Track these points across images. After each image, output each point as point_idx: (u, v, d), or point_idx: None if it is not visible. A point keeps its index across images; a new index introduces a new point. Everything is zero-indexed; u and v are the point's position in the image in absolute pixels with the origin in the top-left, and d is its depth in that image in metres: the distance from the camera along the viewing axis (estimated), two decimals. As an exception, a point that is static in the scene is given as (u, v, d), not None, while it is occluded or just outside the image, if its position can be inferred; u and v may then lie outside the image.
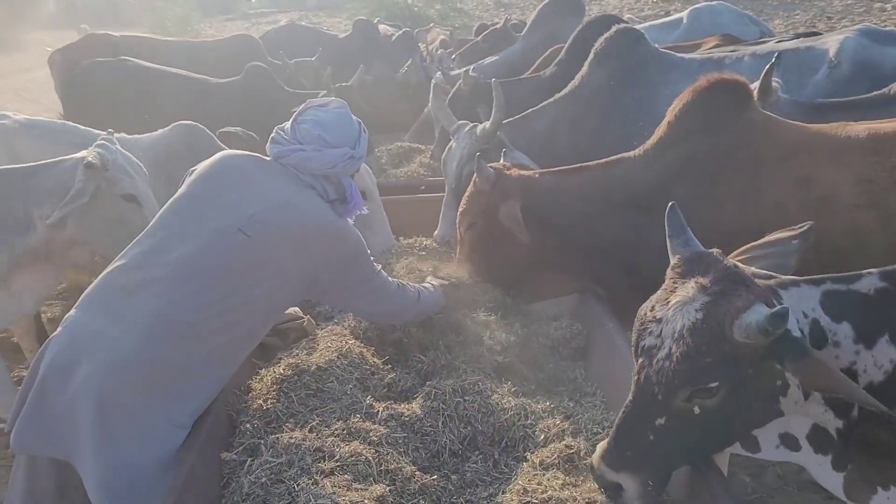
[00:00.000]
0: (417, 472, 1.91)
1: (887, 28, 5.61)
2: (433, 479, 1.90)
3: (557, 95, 3.78)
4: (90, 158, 2.75)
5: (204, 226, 2.01)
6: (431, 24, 12.28)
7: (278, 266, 2.05)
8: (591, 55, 3.75)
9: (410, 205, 3.91)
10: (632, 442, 1.61)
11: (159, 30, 24.37)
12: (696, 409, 1.55)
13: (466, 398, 2.14)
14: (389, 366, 2.38)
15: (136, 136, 3.63)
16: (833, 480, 1.65)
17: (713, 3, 6.07)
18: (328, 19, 25.28)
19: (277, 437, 1.92)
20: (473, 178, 2.83)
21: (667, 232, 1.72)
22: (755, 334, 1.45)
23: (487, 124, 3.40)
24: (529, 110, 3.78)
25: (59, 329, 1.98)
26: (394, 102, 6.23)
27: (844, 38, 3.69)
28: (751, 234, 1.84)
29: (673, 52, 3.85)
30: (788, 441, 1.66)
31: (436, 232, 3.42)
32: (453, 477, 1.95)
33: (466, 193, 2.87)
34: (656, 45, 3.86)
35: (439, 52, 7.15)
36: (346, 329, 2.52)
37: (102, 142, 2.89)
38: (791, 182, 2.32)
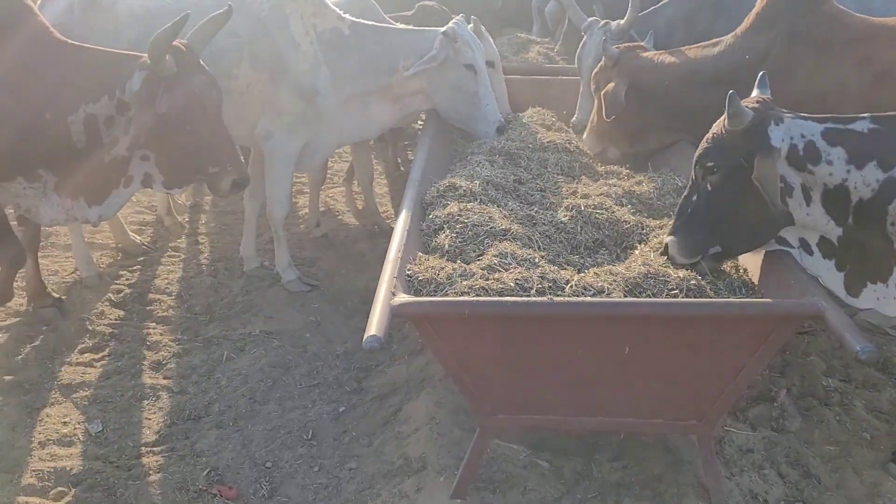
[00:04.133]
0: (563, 252, 2.72)
1: None
2: (573, 258, 2.71)
3: (672, -4, 4.39)
4: (446, 30, 3.66)
5: None
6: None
7: None
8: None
9: (527, 84, 4.67)
10: (680, 215, 2.48)
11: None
12: (708, 186, 2.38)
13: (597, 212, 2.92)
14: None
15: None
16: (836, 279, 2.37)
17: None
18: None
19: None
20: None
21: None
22: (729, 122, 2.26)
23: (622, 21, 4.04)
24: (649, 10, 4.38)
25: None
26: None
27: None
28: (815, 105, 2.51)
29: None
30: (805, 245, 2.40)
31: (573, 118, 4.18)
32: (587, 260, 2.75)
33: (597, 66, 3.60)
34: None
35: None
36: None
37: (456, 20, 3.77)
38: (854, 61, 2.95)
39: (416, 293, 2.31)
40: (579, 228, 2.86)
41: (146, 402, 3.21)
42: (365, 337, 1.96)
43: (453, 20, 3.80)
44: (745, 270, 2.56)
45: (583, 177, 3.42)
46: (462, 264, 2.41)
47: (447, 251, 2.58)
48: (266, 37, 3.69)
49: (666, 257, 2.52)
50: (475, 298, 2.14)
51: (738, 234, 2.47)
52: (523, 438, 2.73)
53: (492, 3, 6.64)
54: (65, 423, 3.05)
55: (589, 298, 2.17)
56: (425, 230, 2.77)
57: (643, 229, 2.88)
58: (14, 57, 2.96)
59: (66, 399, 3.19)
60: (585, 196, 3.11)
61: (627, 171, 3.55)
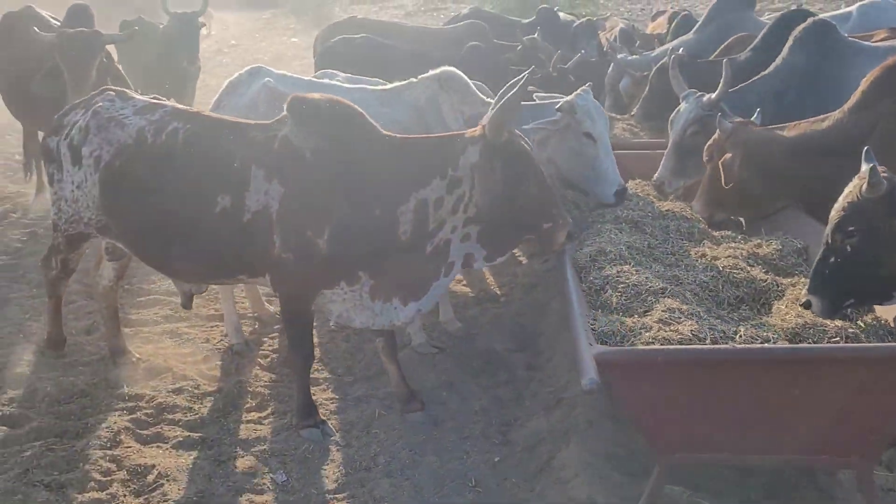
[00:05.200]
0: (712, 308, 3.03)
1: None
2: (722, 312, 3.02)
3: (763, 73, 4.79)
4: (561, 105, 4.02)
5: None
6: (609, 14, 13.28)
7: None
8: (791, 41, 4.74)
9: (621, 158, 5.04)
10: (817, 274, 2.74)
11: (300, 10, 26.67)
12: (848, 248, 2.64)
13: (734, 271, 3.24)
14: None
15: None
16: None
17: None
18: (454, 4, 26.49)
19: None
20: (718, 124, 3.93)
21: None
22: (868, 191, 2.54)
23: (713, 95, 4.44)
24: (741, 85, 4.79)
25: None
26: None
27: None
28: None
29: (859, 41, 4.79)
30: None
31: (655, 175, 4.53)
32: (733, 314, 3.05)
33: (713, 137, 3.97)
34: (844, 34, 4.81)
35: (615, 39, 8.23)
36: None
37: (580, 91, 4.11)
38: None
39: (601, 343, 2.63)
40: (721, 287, 3.17)
41: (318, 454, 3.51)
42: (584, 380, 2.28)
43: (579, 90, 4.16)
44: (885, 321, 2.85)
45: (704, 241, 3.75)
46: (638, 318, 2.74)
47: (615, 307, 2.91)
48: (422, 122, 4.17)
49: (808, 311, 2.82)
50: (674, 347, 2.46)
51: (874, 288, 2.76)
52: (684, 479, 2.98)
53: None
54: (252, 473, 3.36)
55: (780, 345, 2.48)
56: (587, 290, 3.11)
57: (778, 287, 3.19)
58: (349, 160, 3.19)
59: (247, 453, 3.50)
60: (716, 258, 3.43)
61: (742, 235, 3.88)
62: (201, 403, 3.89)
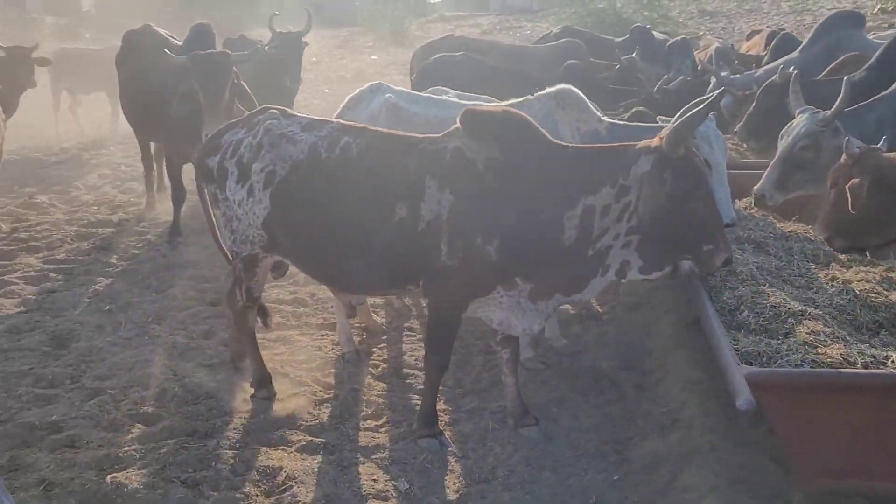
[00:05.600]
0: (852, 332, 2.96)
1: None
2: (863, 337, 2.94)
3: (882, 94, 4.66)
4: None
5: None
6: (702, 32, 13.15)
7: None
8: (911, 61, 4.61)
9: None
10: None
11: (376, 28, 27.23)
12: None
13: (872, 295, 3.16)
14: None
15: None
16: None
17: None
18: (529, 24, 26.60)
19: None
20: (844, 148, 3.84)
21: None
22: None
23: (829, 112, 4.35)
24: (858, 105, 4.67)
25: None
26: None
27: None
28: None
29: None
30: None
31: (755, 186, 4.43)
32: (873, 339, 2.97)
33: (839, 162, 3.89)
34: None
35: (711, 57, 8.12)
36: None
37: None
38: None
39: (745, 364, 2.61)
40: (858, 310, 3.10)
41: (437, 465, 3.56)
42: (739, 401, 2.27)
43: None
44: None
45: (832, 263, 3.67)
46: (784, 339, 2.70)
47: (753, 329, 2.88)
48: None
49: None
50: (832, 370, 2.42)
51: None
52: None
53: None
54: (374, 480, 3.43)
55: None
56: (719, 310, 3.08)
57: (918, 312, 3.10)
58: (520, 169, 3.25)
59: (367, 459, 3.58)
60: (848, 281, 3.35)
61: (870, 259, 3.77)
62: (319, 409, 3.99)
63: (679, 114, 3.12)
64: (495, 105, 3.66)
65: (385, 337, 4.88)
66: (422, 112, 4.54)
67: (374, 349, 4.73)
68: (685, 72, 8.22)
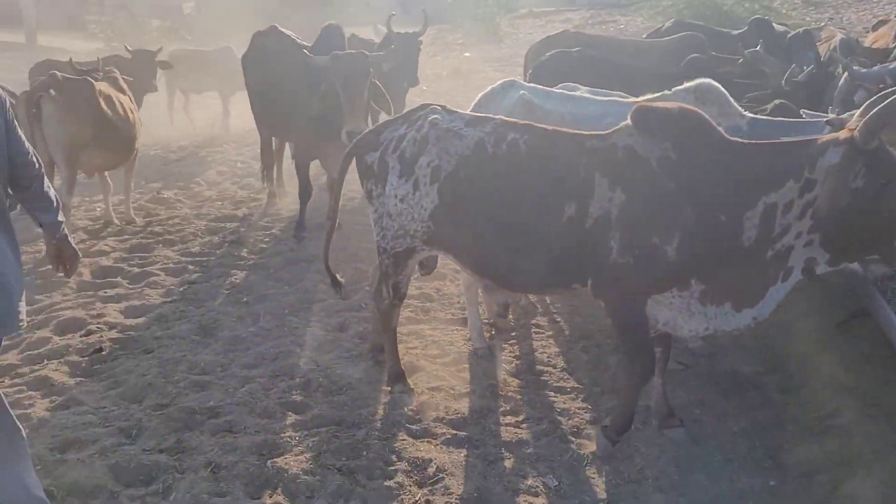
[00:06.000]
0: None
1: None
2: None
3: None
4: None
5: None
6: (824, 24, 12.62)
7: None
8: None
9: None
10: None
11: (468, 26, 27.23)
12: None
13: None
14: None
15: None
16: None
17: None
18: (622, 17, 26.06)
19: None
20: None
21: None
22: None
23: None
24: None
25: None
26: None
27: None
28: None
29: None
30: None
31: None
32: None
33: None
34: None
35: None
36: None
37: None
38: None
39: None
40: None
41: (584, 463, 3.54)
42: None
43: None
44: None
45: None
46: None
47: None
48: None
49: None
50: None
51: None
52: None
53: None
54: (523, 476, 3.44)
55: None
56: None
57: None
58: (696, 167, 3.19)
59: (512, 455, 3.59)
60: None
61: None
62: (458, 404, 4.03)
63: (867, 104, 2.99)
64: (667, 102, 3.56)
65: (514, 334, 4.89)
66: (556, 109, 4.51)
67: (505, 346, 4.74)
68: (808, 64, 7.87)
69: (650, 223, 3.19)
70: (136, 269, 5.89)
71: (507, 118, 3.72)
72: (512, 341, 4.80)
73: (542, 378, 4.34)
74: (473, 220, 3.56)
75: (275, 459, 3.45)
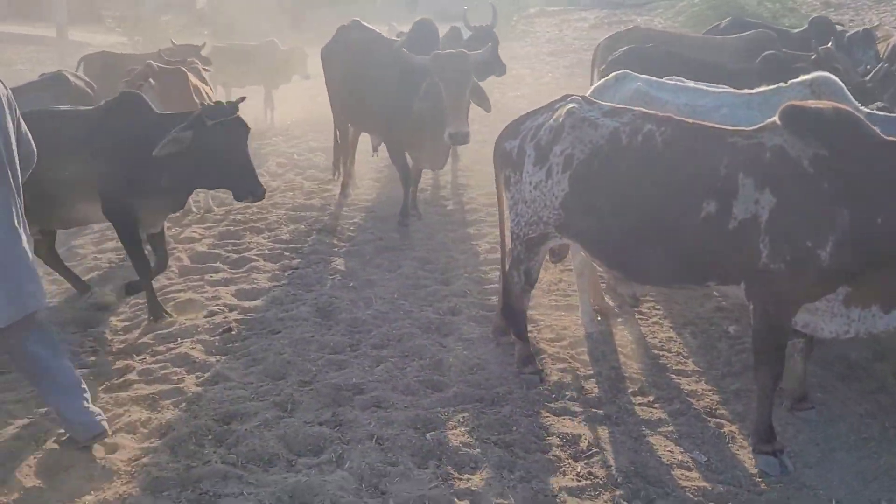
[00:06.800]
0: None
1: None
2: None
3: None
4: None
5: None
6: (878, 23, 12.78)
7: None
8: None
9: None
10: None
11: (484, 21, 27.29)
12: None
13: None
14: None
15: None
16: None
17: None
18: (639, 17, 26.14)
19: None
20: None
21: None
22: None
23: None
24: None
25: None
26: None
27: None
28: None
29: None
30: None
31: None
32: None
33: None
34: None
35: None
36: None
37: None
38: None
39: None
40: None
41: (726, 440, 3.66)
42: None
43: None
44: None
45: None
46: None
47: None
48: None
49: None
50: None
51: None
52: None
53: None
54: (670, 451, 3.57)
55: None
56: None
57: None
58: (852, 167, 3.12)
59: (653, 432, 3.71)
60: None
61: None
62: (588, 384, 4.15)
63: None
64: (819, 101, 3.59)
65: (619, 319, 5.01)
66: (672, 100, 4.63)
67: (613, 330, 4.87)
68: (869, 63, 8.02)
69: (803, 227, 3.12)
70: (234, 255, 6.01)
71: (646, 110, 3.77)
72: (620, 327, 4.92)
73: (660, 361, 4.46)
74: (603, 210, 3.60)
75: (433, 432, 3.58)
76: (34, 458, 3.31)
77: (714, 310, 5.10)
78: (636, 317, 5.08)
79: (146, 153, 4.29)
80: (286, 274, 5.64)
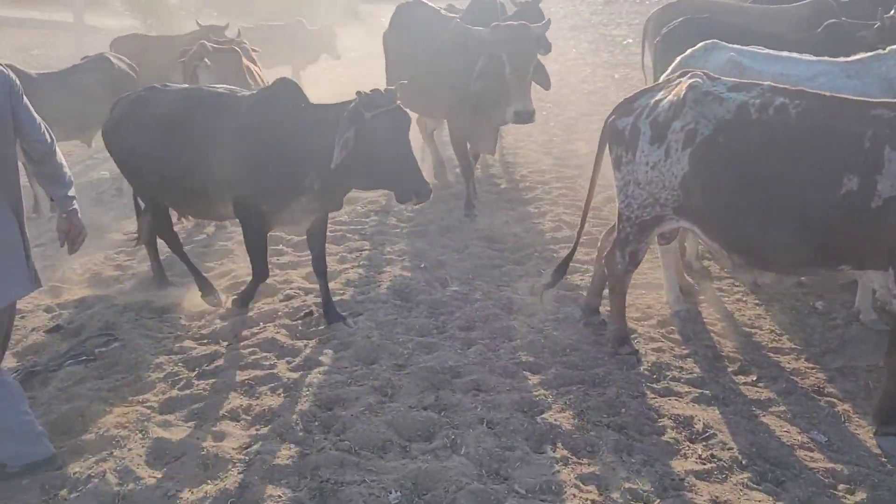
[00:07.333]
0: None
1: None
2: None
3: None
4: None
5: None
6: None
7: None
8: None
9: None
10: None
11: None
12: None
13: None
14: None
15: None
16: None
17: None
18: (647, -5, 25.78)
19: None
20: None
21: None
22: None
23: None
24: None
25: None
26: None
27: None
28: None
29: None
30: None
31: None
32: None
33: None
34: None
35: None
36: None
37: None
38: None
39: None
40: None
41: (842, 420, 3.55)
42: None
43: None
44: None
45: None
46: None
47: None
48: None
49: None
50: None
51: None
52: None
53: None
54: (787, 432, 3.45)
55: None
56: None
57: None
58: None
59: (764, 412, 3.59)
60: None
61: None
62: (686, 363, 4.04)
63: None
64: None
65: (702, 297, 4.89)
66: (767, 70, 4.49)
67: (700, 308, 4.75)
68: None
69: None
70: (295, 238, 5.89)
71: (776, 84, 3.56)
72: (704, 304, 4.81)
73: (754, 339, 4.35)
74: (728, 189, 3.41)
75: (543, 416, 3.48)
76: (142, 446, 3.22)
77: (796, 285, 4.97)
78: (718, 294, 4.97)
79: (294, 147, 3.96)
80: (351, 255, 5.53)
